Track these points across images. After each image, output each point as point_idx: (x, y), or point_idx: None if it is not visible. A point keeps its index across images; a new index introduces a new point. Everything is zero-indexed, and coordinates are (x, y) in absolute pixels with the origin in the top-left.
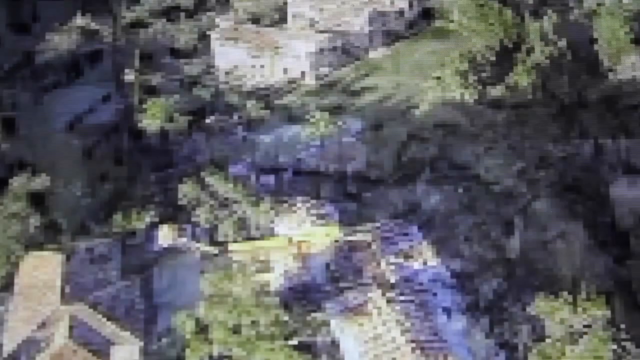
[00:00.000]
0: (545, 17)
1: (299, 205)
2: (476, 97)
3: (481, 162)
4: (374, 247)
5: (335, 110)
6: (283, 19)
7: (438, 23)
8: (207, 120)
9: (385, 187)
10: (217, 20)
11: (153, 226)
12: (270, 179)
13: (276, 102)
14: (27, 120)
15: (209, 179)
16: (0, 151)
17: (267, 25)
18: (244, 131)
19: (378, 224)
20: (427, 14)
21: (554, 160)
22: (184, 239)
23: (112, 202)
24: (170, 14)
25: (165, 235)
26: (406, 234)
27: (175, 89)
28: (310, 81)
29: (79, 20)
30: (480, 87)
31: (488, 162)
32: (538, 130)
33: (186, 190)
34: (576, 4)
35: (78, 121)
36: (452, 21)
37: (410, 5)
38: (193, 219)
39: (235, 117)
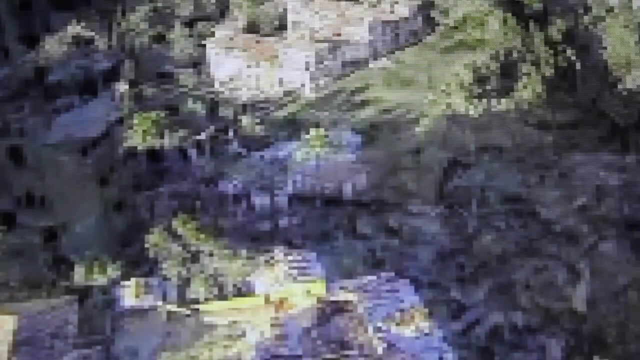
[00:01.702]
0: (551, 26)
1: (278, 257)
2: (481, 111)
3: (534, 193)
4: (360, 309)
5: (334, 125)
6: (283, 27)
7: (441, 31)
8: (201, 136)
9: (426, 220)
10: (214, 28)
11: (118, 281)
12: (265, 199)
13: (273, 115)
14: (36, 148)
15: (180, 229)
16: (7, 183)
17: (266, 34)
18: (239, 147)
19: (366, 280)
20: (430, 22)
21: (610, 190)
22: (151, 297)
23: (129, 233)
24: (167, 21)
25: (130, 293)
26: (397, 292)
27: (168, 102)
28: (308, 93)
29: (73, 29)
30: (485, 100)
31: (541, 194)
32: (589, 155)
33: (155, 241)
34: (584, 10)
35: (92, 147)
36: (457, 28)
37: (414, 14)
38: (163, 273)
39: (230, 132)
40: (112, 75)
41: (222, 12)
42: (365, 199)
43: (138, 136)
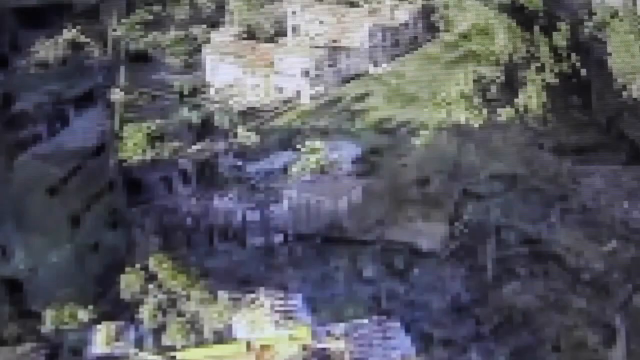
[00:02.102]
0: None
1: (261, 299)
2: (482, 121)
3: (556, 233)
4: (347, 358)
5: (331, 134)
6: (282, 32)
7: (443, 37)
8: (195, 147)
9: (437, 263)
10: (210, 34)
11: (90, 326)
12: (256, 215)
13: (269, 124)
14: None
15: (157, 269)
16: None
17: (264, 39)
18: (234, 158)
19: (355, 324)
20: (431, 28)
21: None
22: (124, 344)
23: (106, 275)
24: (163, 26)
25: (101, 339)
26: (389, 339)
27: (161, 112)
28: (306, 101)
29: (67, 34)
30: (487, 109)
31: (565, 234)
32: (611, 184)
33: (129, 282)
34: (588, 16)
35: (63, 182)
36: (458, 35)
37: (414, 19)
38: (138, 317)
39: (225, 143)
40: (87, 100)
41: (220, 16)
42: (368, 238)
43: (129, 150)
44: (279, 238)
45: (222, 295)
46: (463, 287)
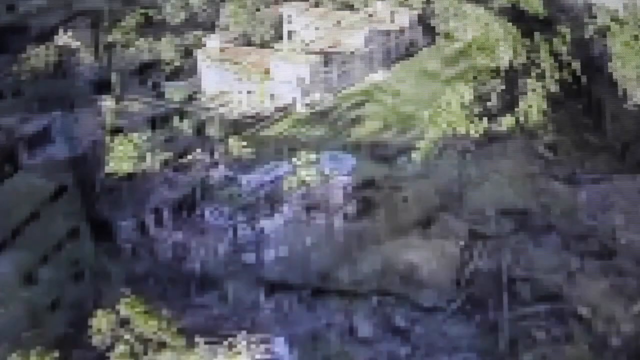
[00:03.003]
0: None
1: (240, 346)
2: (481, 131)
3: (577, 285)
4: None
5: (327, 143)
6: (278, 37)
7: (442, 42)
8: (187, 158)
9: (444, 319)
10: (205, 38)
11: None
12: (248, 232)
13: (263, 133)
14: None
15: (128, 313)
16: None
17: (260, 44)
18: (226, 170)
19: None
20: (430, 33)
21: None
22: None
23: (70, 335)
24: (157, 31)
25: None
26: None
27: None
28: (301, 109)
29: (59, 39)
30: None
31: (587, 288)
32: (630, 220)
33: (99, 325)
34: (590, 20)
35: (11, 237)
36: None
37: (413, 23)
38: None
39: (216, 154)
40: (42, 138)
41: (215, 20)
42: (364, 289)
43: (118, 162)
44: (270, 256)
45: (200, 342)
46: (473, 349)
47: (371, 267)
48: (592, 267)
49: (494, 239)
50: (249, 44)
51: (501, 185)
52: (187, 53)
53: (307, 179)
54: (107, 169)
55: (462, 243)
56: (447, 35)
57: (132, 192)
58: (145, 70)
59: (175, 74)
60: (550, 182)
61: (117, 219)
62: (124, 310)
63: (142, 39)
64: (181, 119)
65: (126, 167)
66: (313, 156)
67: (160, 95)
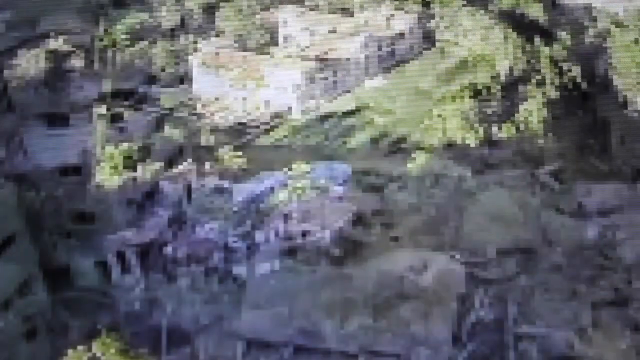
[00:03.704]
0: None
1: None
2: (478, 141)
3: (593, 345)
4: None
5: (321, 152)
6: (274, 42)
7: (440, 47)
8: (178, 168)
9: None
10: (199, 43)
11: None
12: (240, 244)
13: (258, 141)
14: None
15: (100, 351)
16: None
17: (255, 49)
18: (219, 180)
19: None
20: (428, 38)
21: None
22: None
23: None
24: (150, 35)
25: None
26: None
27: (143, 131)
28: (296, 116)
29: (52, 43)
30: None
31: (603, 347)
32: None
33: None
34: (590, 23)
35: None
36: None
37: (411, 28)
38: None
39: (208, 165)
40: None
41: (210, 25)
42: (351, 348)
43: (107, 173)
44: (264, 268)
45: None
46: None
47: (357, 323)
48: (606, 319)
49: (496, 284)
50: (245, 48)
51: (501, 221)
52: (181, 58)
53: (301, 192)
54: (96, 181)
55: (461, 291)
56: (446, 42)
57: (94, 234)
58: (139, 75)
59: (169, 80)
60: (556, 216)
61: (77, 265)
62: (96, 350)
63: (135, 44)
64: (173, 126)
65: (115, 178)
66: (306, 167)
67: (153, 102)
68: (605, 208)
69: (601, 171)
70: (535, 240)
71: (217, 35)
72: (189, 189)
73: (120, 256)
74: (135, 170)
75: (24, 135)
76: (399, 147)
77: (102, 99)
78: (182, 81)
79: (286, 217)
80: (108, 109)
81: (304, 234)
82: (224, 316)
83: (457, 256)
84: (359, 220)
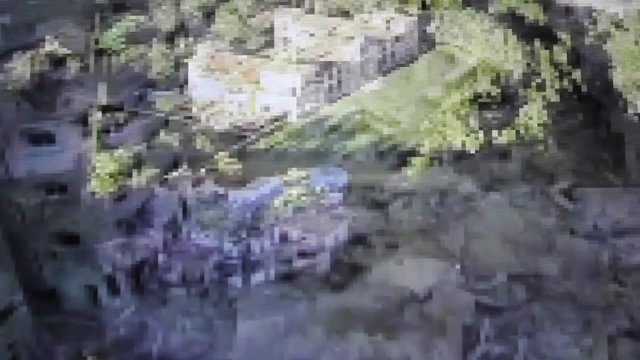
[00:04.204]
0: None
1: None
2: (477, 147)
3: None
4: None
5: (320, 157)
6: (271, 44)
7: (439, 50)
8: (174, 174)
9: None
10: (196, 46)
11: None
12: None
13: (253, 147)
14: None
15: None
16: None
17: (253, 51)
18: (215, 186)
19: None
20: (426, 41)
21: None
22: None
23: None
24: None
25: None
26: None
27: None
28: (294, 120)
29: (47, 46)
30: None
31: None
32: None
33: None
34: (591, 25)
35: None
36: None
37: (409, 31)
38: None
39: (204, 170)
40: None
41: (206, 27)
42: None
43: (101, 180)
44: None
45: None
46: None
47: (360, 355)
48: (623, 353)
49: (505, 314)
50: (242, 51)
51: (510, 244)
52: (178, 61)
53: (297, 198)
54: (90, 188)
55: (467, 321)
56: (448, 45)
57: (81, 256)
58: (135, 79)
59: (165, 83)
60: (569, 238)
61: (63, 288)
62: None
63: (132, 47)
64: (169, 131)
65: (110, 185)
66: (303, 173)
67: (149, 106)
68: (620, 228)
69: (616, 187)
70: (547, 265)
71: (214, 38)
72: (184, 204)
73: (110, 278)
74: (130, 177)
75: (6, 150)
76: (404, 160)
77: (96, 106)
78: (179, 85)
79: (283, 237)
80: (103, 114)
81: (301, 253)
82: (217, 345)
83: (462, 279)
84: (360, 240)
